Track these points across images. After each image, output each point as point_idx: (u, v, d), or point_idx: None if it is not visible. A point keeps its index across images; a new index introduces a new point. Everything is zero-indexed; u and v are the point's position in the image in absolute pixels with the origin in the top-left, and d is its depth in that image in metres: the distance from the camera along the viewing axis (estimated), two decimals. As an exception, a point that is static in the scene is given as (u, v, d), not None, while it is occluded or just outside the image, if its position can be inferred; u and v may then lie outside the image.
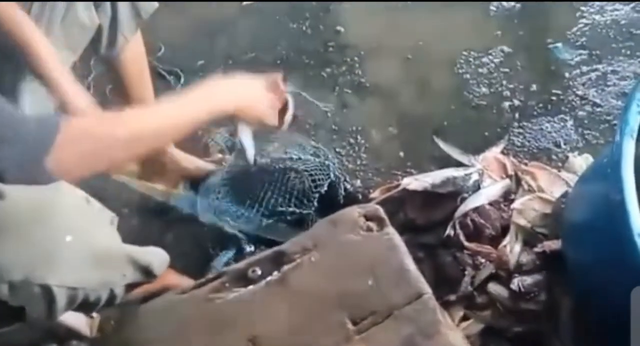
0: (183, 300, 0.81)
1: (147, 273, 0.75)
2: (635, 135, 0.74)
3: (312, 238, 0.79)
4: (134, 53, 1.12)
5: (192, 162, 1.33)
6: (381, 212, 0.79)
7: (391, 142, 1.46)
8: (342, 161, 1.42)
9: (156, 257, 0.78)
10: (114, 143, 0.70)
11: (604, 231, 0.84)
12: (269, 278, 0.74)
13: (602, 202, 0.84)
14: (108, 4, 1.01)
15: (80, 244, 0.64)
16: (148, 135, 0.74)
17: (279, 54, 1.76)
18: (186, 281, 0.99)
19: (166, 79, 1.64)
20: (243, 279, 0.75)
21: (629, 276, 0.73)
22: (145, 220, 1.32)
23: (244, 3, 1.92)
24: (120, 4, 1.03)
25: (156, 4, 1.12)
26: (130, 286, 0.77)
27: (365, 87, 1.62)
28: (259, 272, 0.75)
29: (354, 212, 0.79)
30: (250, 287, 0.74)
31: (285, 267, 0.75)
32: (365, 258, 0.75)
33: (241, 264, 0.80)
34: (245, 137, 0.95)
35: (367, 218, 0.79)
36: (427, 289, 0.73)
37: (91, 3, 0.98)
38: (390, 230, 0.77)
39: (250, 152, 0.97)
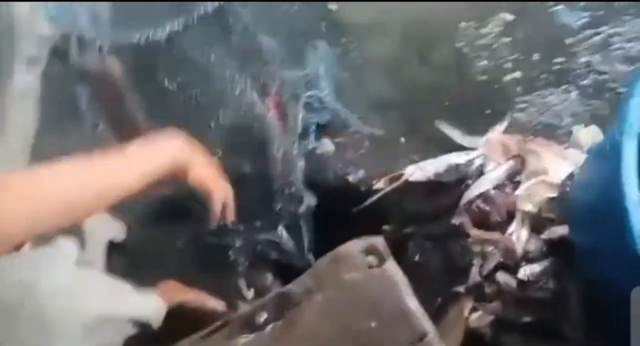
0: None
1: (145, 327, 0.75)
2: (636, 132, 0.71)
3: (314, 277, 0.79)
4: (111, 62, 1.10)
5: None
6: (381, 245, 0.79)
7: (392, 127, 1.43)
8: (343, 151, 1.41)
9: (151, 306, 0.78)
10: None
11: (606, 220, 0.83)
12: (274, 324, 0.75)
13: (604, 192, 0.83)
14: (71, 10, 1.01)
15: (71, 318, 0.64)
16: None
17: (276, 35, 1.72)
18: (192, 294, 1.02)
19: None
20: (250, 325, 0.76)
21: (629, 267, 0.73)
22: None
23: None
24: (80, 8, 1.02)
25: None
26: None
27: (362, 69, 1.58)
28: (265, 316, 0.76)
29: (355, 247, 0.79)
30: (257, 334, 0.75)
31: (291, 311, 0.76)
32: (368, 298, 0.75)
33: (247, 310, 0.81)
34: None
35: (368, 252, 0.78)
36: (430, 328, 0.73)
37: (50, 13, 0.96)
38: (391, 264, 0.77)
39: None
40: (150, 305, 0.80)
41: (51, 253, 0.66)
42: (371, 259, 0.78)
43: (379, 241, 0.80)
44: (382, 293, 0.75)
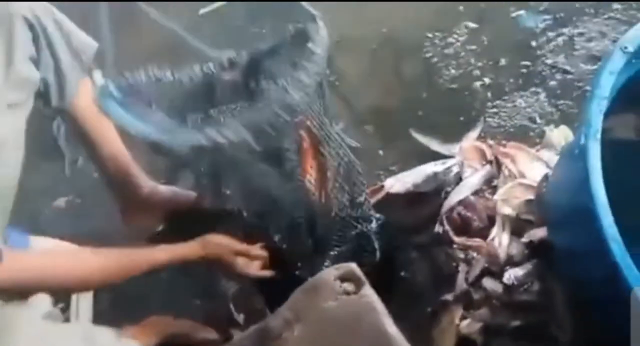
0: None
1: None
2: (599, 135, 0.74)
3: (292, 309, 0.79)
4: (86, 100, 1.08)
5: (174, 192, 1.32)
6: (356, 271, 0.79)
7: (369, 140, 1.45)
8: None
9: None
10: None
11: (578, 221, 0.85)
12: None
13: (574, 195, 0.85)
14: (48, 54, 1.00)
15: None
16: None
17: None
18: (182, 326, 1.02)
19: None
20: None
21: (601, 268, 0.74)
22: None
23: (201, 11, 1.88)
24: (60, 51, 1.01)
25: (95, 44, 1.11)
26: None
27: (335, 86, 1.60)
28: None
29: (330, 275, 0.79)
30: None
31: (271, 344, 0.76)
32: (347, 326, 0.75)
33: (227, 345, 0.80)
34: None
35: (343, 279, 0.79)
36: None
37: (27, 57, 0.96)
38: (367, 290, 0.77)
39: None
40: None
41: (19, 309, 0.66)
42: (347, 286, 0.78)
43: (353, 267, 0.80)
44: (361, 319, 0.75)
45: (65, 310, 1.12)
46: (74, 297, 1.12)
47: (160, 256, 0.93)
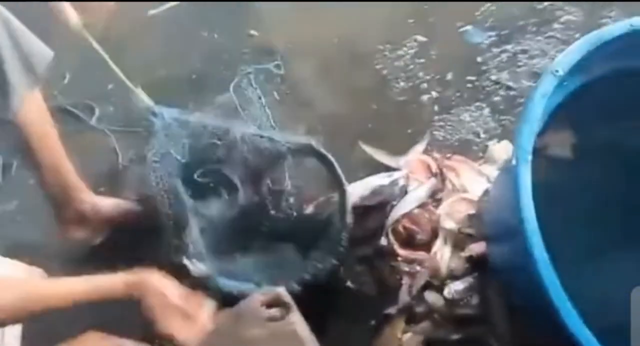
0: None
1: None
2: (530, 157, 0.76)
3: (217, 337, 0.77)
4: (33, 113, 1.04)
5: (116, 206, 1.28)
6: (284, 296, 0.78)
7: (318, 151, 1.44)
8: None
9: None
10: None
11: (510, 238, 0.88)
12: None
13: (507, 212, 0.87)
14: None
15: None
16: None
17: (193, 67, 1.70)
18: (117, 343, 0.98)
19: (79, 117, 1.54)
20: None
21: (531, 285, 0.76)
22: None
23: (150, 12, 1.83)
24: (8, 61, 0.94)
25: (51, 54, 1.04)
26: None
27: (287, 94, 1.59)
28: None
29: (256, 302, 0.77)
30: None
31: None
32: None
33: None
34: None
35: (270, 305, 0.77)
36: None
37: None
38: (295, 316, 0.76)
39: None
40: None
41: None
42: (274, 312, 0.76)
43: (282, 292, 0.78)
44: None
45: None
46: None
47: (77, 288, 0.86)
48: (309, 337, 0.75)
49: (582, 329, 0.67)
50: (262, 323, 0.75)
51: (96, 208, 1.23)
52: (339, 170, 1.20)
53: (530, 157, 0.74)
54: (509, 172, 0.78)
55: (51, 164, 1.11)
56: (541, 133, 0.86)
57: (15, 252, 1.30)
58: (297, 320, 0.75)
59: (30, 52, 0.99)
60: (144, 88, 1.62)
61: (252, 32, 1.73)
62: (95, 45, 1.17)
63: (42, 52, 1.02)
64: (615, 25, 0.88)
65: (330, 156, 1.18)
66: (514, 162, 0.74)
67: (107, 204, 1.26)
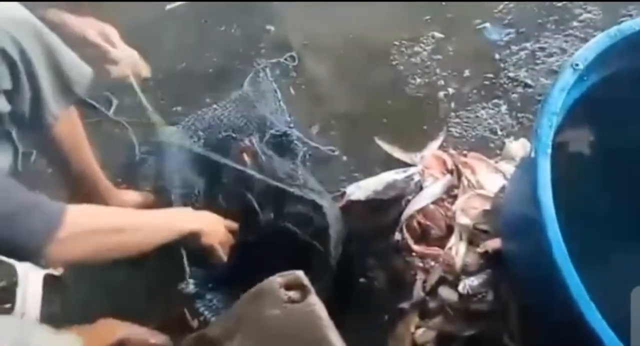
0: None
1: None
2: (549, 150, 0.75)
3: (235, 317, 0.78)
4: (66, 128, 1.01)
5: (131, 198, 1.29)
6: (302, 278, 0.78)
7: (333, 146, 1.45)
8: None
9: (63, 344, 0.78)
10: (108, 237, 0.82)
11: (528, 233, 0.87)
12: None
13: (526, 207, 0.86)
14: (27, 88, 0.88)
15: None
16: (137, 232, 0.88)
17: (209, 61, 1.71)
18: (134, 330, 0.99)
19: (96, 108, 1.56)
20: None
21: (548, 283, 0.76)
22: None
23: (167, 7, 1.84)
24: (43, 80, 0.90)
25: (90, 73, 0.98)
26: None
27: (302, 89, 1.59)
28: None
29: (275, 283, 0.77)
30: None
31: None
32: (288, 336, 0.74)
33: None
34: None
35: (289, 287, 0.77)
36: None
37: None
38: (313, 298, 0.76)
39: None
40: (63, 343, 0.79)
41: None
42: (292, 294, 0.76)
43: (301, 275, 0.79)
44: (304, 329, 0.74)
45: (10, 310, 1.09)
46: (19, 296, 1.08)
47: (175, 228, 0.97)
48: (328, 320, 0.75)
49: (602, 324, 0.66)
50: (281, 305, 0.75)
51: (115, 197, 1.24)
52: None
53: (549, 150, 0.73)
54: (528, 165, 0.77)
55: (81, 174, 1.12)
56: (560, 129, 0.85)
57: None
58: (316, 303, 0.75)
59: (68, 70, 0.94)
60: (161, 82, 1.65)
61: (269, 27, 1.74)
62: (137, 88, 1.20)
63: (81, 70, 0.97)
64: (636, 20, 0.86)
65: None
66: (533, 154, 0.74)
67: (123, 193, 1.27)
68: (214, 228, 1.05)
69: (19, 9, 0.86)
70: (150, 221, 0.95)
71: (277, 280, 0.78)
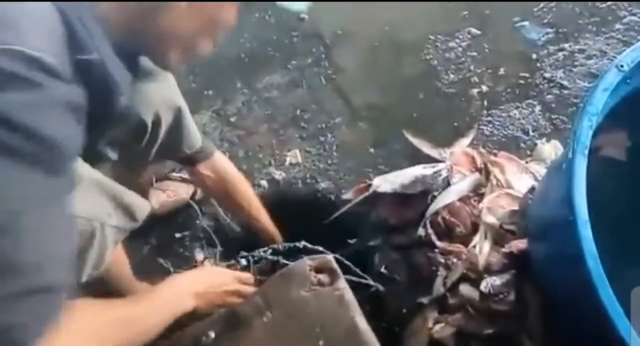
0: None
1: (131, 217, 0.75)
2: (587, 151, 0.74)
3: (264, 296, 0.79)
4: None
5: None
6: (332, 263, 0.79)
7: (361, 137, 1.45)
8: (312, 161, 1.42)
9: (137, 201, 0.77)
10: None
11: (558, 235, 0.86)
12: (222, 343, 0.74)
13: (557, 208, 0.85)
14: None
15: None
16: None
17: (243, 47, 1.72)
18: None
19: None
20: (197, 344, 0.75)
21: (578, 284, 0.75)
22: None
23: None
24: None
25: (199, 142, 1.02)
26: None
27: (332, 79, 1.59)
28: (212, 336, 0.75)
29: (305, 265, 0.78)
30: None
31: (239, 331, 0.75)
32: (316, 317, 0.75)
33: (195, 328, 0.79)
34: None
35: (318, 270, 0.78)
36: (378, 347, 0.74)
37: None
38: (342, 283, 0.76)
39: None
40: (138, 200, 0.77)
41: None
42: (322, 277, 0.77)
43: (330, 259, 0.79)
44: (331, 312, 0.75)
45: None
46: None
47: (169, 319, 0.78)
48: (355, 304, 0.75)
49: (627, 326, 0.65)
50: (310, 287, 0.76)
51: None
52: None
53: (587, 151, 0.72)
54: (563, 166, 0.76)
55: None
56: (598, 131, 0.84)
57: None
58: (344, 287, 0.76)
59: (188, 141, 0.99)
60: (194, 67, 1.67)
61: (303, 15, 1.74)
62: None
63: (195, 140, 1.01)
64: (687, 24, 0.83)
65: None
66: (570, 154, 0.72)
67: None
68: (218, 281, 0.88)
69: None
70: (145, 316, 0.77)
71: (307, 262, 0.78)
